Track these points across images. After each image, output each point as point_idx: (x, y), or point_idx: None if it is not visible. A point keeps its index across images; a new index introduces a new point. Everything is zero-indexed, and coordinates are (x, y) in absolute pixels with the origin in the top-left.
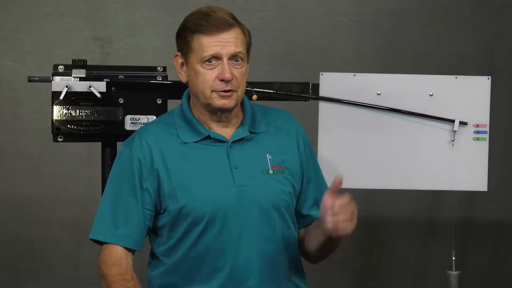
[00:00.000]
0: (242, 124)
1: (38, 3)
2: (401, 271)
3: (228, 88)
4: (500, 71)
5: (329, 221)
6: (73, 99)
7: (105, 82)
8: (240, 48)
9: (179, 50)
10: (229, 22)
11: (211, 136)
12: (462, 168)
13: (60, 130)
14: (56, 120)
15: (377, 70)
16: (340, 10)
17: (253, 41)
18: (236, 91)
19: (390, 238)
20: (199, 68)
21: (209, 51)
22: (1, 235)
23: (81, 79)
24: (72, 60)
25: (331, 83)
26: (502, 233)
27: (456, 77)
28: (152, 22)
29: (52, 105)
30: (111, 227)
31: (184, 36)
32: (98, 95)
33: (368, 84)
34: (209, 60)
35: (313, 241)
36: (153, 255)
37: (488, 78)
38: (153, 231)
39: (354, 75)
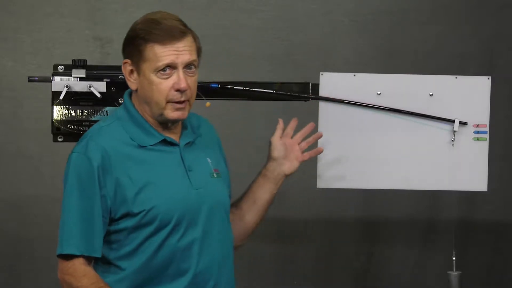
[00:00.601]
0: (184, 127)
1: (38, 3)
2: (401, 271)
3: (183, 98)
4: (500, 71)
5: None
6: (73, 99)
7: (105, 82)
8: (194, 56)
9: (128, 57)
10: (182, 30)
11: (167, 139)
12: (462, 168)
13: (60, 130)
14: (56, 120)
15: (377, 70)
16: (340, 10)
17: (253, 41)
18: (188, 101)
19: (390, 238)
20: (153, 77)
21: (164, 61)
22: (1, 235)
23: (81, 79)
24: (72, 60)
25: (331, 83)
26: (502, 233)
27: (456, 77)
28: None
29: (52, 105)
30: (83, 239)
31: (136, 45)
32: (98, 95)
33: (368, 84)
34: (163, 70)
35: (249, 200)
36: (106, 262)
37: (488, 78)
38: (104, 238)
39: (354, 75)
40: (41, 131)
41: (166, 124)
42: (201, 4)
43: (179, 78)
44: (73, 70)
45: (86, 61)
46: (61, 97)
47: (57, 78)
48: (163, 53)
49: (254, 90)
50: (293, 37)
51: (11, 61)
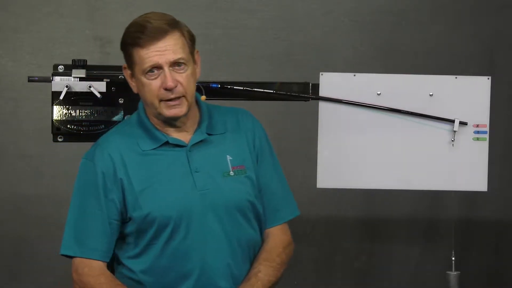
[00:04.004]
0: (199, 126)
1: (38, 3)
2: (401, 271)
3: (173, 96)
4: (500, 71)
5: None
6: (73, 99)
7: (105, 82)
8: (179, 54)
9: (125, 61)
10: (164, 29)
11: (170, 141)
12: (462, 168)
13: (60, 130)
14: (56, 120)
15: (377, 70)
16: (340, 10)
17: (253, 41)
18: (184, 96)
19: (390, 238)
20: (144, 79)
21: (148, 63)
22: (1, 235)
23: (81, 79)
24: (72, 60)
25: (331, 83)
26: (502, 233)
27: (456, 77)
28: None
29: (52, 105)
30: (77, 241)
31: (126, 50)
32: (98, 95)
33: (368, 84)
34: (150, 71)
35: None
36: (119, 262)
37: (488, 78)
38: (120, 238)
39: (354, 75)
40: (41, 131)
41: (170, 122)
42: (201, 4)
43: (166, 77)
44: (73, 70)
45: (86, 61)
46: (61, 97)
47: (57, 78)
48: (146, 55)
49: (254, 90)
50: (293, 37)
51: (11, 61)
